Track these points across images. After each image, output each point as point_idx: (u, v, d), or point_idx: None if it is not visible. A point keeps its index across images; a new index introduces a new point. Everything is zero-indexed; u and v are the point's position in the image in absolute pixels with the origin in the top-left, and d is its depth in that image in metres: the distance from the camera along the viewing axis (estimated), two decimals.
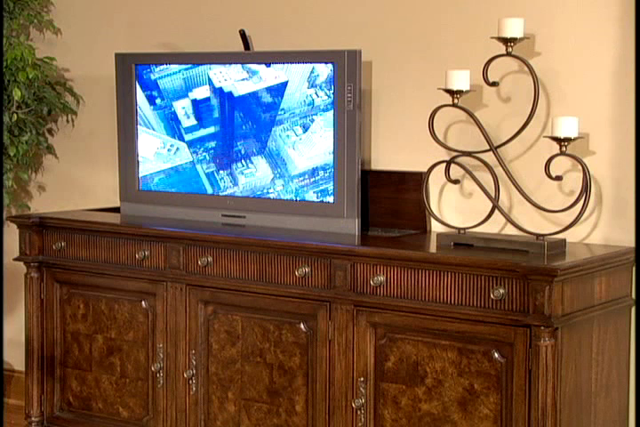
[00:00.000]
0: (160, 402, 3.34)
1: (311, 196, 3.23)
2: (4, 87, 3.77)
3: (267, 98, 3.30)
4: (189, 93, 3.45)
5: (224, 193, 3.40)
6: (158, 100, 3.51)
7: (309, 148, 3.23)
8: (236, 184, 3.38)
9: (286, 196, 3.28)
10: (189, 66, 3.44)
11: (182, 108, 3.47)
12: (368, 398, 2.95)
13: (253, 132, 3.34)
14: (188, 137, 3.47)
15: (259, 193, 3.34)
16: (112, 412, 3.45)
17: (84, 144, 4.02)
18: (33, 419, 3.60)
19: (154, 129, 3.52)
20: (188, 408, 3.29)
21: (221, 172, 3.40)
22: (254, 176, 3.35)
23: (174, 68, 3.47)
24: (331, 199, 3.19)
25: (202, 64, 3.41)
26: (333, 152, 3.18)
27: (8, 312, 4.19)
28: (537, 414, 2.66)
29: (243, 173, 3.36)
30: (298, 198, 3.25)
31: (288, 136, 3.26)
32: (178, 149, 3.46)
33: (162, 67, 3.49)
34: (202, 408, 3.27)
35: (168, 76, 3.48)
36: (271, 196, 3.31)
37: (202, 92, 3.42)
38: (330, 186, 3.19)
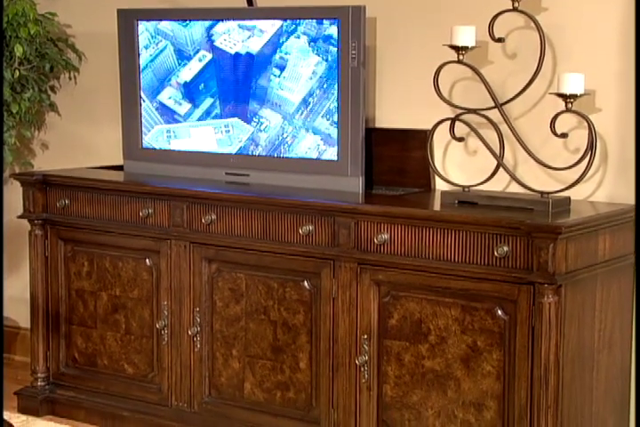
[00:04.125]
0: (165, 359, 3.36)
1: (321, 122, 3.16)
2: (5, 43, 3.75)
3: (259, 54, 3.28)
4: (170, 82, 3.44)
5: (252, 153, 3.35)
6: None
7: (296, 82, 3.19)
8: (258, 144, 3.34)
9: (300, 134, 3.21)
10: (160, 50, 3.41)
11: (169, 97, 3.45)
12: (371, 356, 2.97)
13: (246, 88, 3.32)
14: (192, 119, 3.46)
15: (278, 143, 3.28)
16: (117, 368, 3.48)
17: (86, 102, 4.00)
18: (39, 375, 3.63)
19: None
20: (193, 365, 3.31)
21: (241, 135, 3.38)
22: (271, 128, 3.30)
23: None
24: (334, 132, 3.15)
25: (203, 20, 3.37)
26: (337, 110, 3.15)
27: (13, 270, 4.20)
28: (540, 370, 2.67)
29: (261, 131, 3.32)
30: (311, 131, 3.19)
31: (270, 80, 3.23)
32: (233, 126, 3.39)
33: None
34: (206, 365, 3.29)
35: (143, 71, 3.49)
36: (288, 141, 3.26)
37: (186, 74, 3.41)
38: (331, 104, 3.14)
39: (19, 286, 4.14)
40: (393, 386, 2.94)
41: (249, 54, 3.30)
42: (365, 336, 2.97)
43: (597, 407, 2.89)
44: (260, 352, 3.17)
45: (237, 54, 3.33)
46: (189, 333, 3.29)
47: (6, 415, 3.31)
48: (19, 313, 4.19)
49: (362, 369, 2.98)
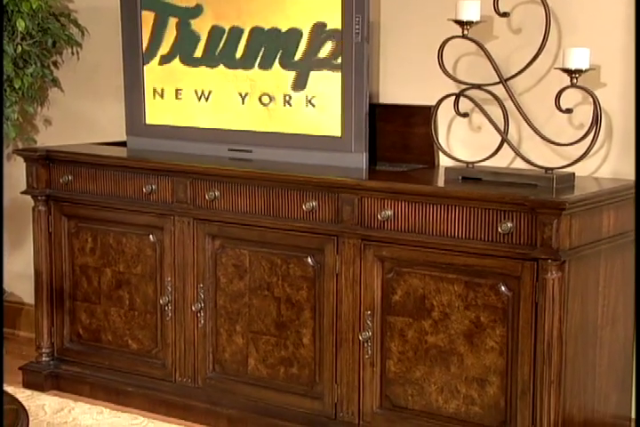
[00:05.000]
0: (169, 335, 3.37)
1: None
2: (7, 18, 3.73)
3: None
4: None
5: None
6: None
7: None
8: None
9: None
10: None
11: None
12: (375, 331, 2.97)
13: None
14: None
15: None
16: (121, 344, 3.49)
17: (89, 77, 3.98)
18: (43, 350, 3.64)
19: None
20: (197, 341, 3.32)
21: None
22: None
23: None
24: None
25: None
26: (341, 86, 3.14)
27: (17, 246, 4.21)
28: (543, 346, 2.68)
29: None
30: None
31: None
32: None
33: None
34: (210, 341, 3.30)
35: None
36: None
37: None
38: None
39: (23, 261, 4.14)
40: (396, 362, 2.95)
41: (251, 29, 3.29)
42: (369, 312, 2.97)
43: (600, 383, 2.90)
44: (264, 328, 3.18)
45: (238, 29, 3.31)
46: (193, 309, 3.30)
47: (11, 390, 3.33)
48: (23, 289, 4.20)
49: (365, 345, 2.99)
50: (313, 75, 2.91)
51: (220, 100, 3.27)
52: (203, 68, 3.24)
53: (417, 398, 2.93)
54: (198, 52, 3.19)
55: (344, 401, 3.05)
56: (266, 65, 3.18)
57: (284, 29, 3.06)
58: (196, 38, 3.13)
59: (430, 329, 2.88)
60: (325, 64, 2.93)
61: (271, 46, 3.08)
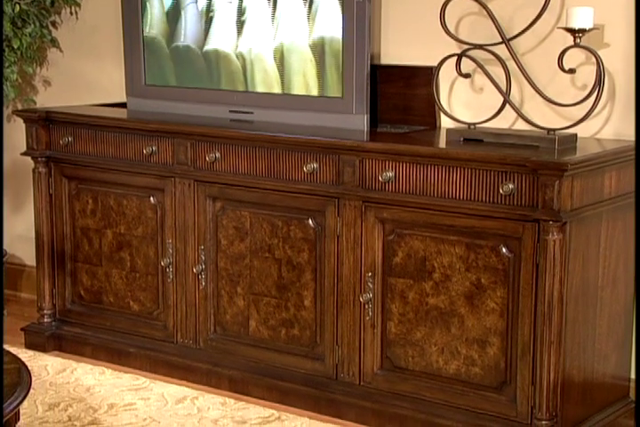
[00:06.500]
0: (170, 296, 3.38)
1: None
2: None
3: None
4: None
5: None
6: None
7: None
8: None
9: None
10: None
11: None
12: (376, 293, 2.98)
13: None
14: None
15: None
16: (123, 305, 3.50)
17: (89, 37, 3.94)
18: (45, 312, 3.65)
19: None
20: (198, 303, 3.33)
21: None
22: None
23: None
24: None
25: None
26: (342, 46, 3.11)
27: (17, 207, 4.20)
28: (543, 307, 2.68)
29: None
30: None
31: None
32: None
33: None
34: (211, 302, 3.31)
35: None
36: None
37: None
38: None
39: (23, 223, 4.14)
40: (397, 323, 2.96)
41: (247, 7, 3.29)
42: (370, 274, 2.97)
43: (600, 344, 2.91)
44: (265, 290, 3.19)
45: (241, 6, 3.30)
46: (194, 270, 3.30)
47: (14, 351, 3.34)
48: (24, 251, 4.20)
49: (366, 307, 3.00)
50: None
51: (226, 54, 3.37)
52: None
53: (417, 359, 2.94)
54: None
55: (345, 362, 3.07)
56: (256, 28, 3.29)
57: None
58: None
59: (431, 291, 2.88)
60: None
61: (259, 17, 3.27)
